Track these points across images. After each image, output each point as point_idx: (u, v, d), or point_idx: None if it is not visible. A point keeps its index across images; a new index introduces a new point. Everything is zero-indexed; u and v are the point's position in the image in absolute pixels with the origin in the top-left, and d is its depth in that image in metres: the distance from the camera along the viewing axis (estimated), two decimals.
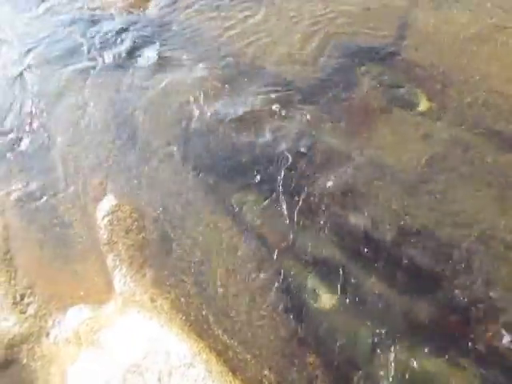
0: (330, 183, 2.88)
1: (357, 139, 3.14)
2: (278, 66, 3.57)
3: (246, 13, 4.04)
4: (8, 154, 3.15)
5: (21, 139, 3.22)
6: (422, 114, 3.30)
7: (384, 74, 3.60)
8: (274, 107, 3.31)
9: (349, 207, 2.76)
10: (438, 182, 2.85)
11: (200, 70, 3.60)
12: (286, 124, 3.22)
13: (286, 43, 3.73)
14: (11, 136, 3.23)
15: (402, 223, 2.68)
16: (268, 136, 3.15)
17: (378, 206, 2.75)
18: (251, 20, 3.96)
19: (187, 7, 4.10)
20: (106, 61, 3.71)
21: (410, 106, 3.34)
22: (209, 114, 3.27)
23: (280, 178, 2.91)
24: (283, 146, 3.07)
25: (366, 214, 2.71)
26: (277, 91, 3.42)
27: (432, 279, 2.44)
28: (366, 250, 2.60)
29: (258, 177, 2.91)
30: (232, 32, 3.87)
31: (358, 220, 2.70)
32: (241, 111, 3.30)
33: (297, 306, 2.44)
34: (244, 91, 3.45)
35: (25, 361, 2.34)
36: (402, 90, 3.44)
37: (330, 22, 3.96)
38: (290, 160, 2.99)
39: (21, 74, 3.62)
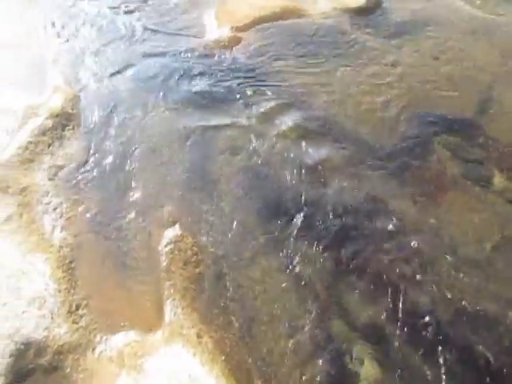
0: (390, 250, 2.83)
1: (425, 209, 3.08)
2: (355, 125, 3.62)
3: (331, 68, 4.16)
4: (89, 174, 3.35)
5: (100, 161, 3.43)
6: (497, 192, 3.20)
7: (461, 146, 3.54)
8: (344, 165, 3.34)
9: (407, 278, 2.69)
10: (507, 266, 2.73)
11: (276, 118, 3.71)
12: (352, 183, 3.23)
13: (367, 104, 3.79)
14: (93, 158, 3.44)
15: (463, 304, 2.57)
16: (334, 192, 3.16)
17: (439, 282, 2.65)
18: (337, 75, 4.07)
19: (275, 55, 4.28)
20: (186, 100, 3.91)
21: (485, 182, 3.25)
22: (278, 160, 3.35)
23: (340, 236, 2.89)
24: (347, 205, 3.07)
25: (424, 288, 2.63)
26: (349, 149, 3.46)
27: (489, 367, 2.30)
28: (419, 324, 2.50)
29: (319, 230, 2.91)
30: (316, 85, 3.99)
31: (415, 293, 2.61)
32: (310, 162, 3.35)
33: (339, 371, 2.37)
34: (317, 143, 3.52)
35: (68, 370, 2.40)
36: (478, 166, 3.37)
37: (412, 88, 3.99)
38: (353, 220, 2.97)
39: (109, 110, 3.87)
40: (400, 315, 2.53)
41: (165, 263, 2.74)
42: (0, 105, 3.82)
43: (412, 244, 2.84)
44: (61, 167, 3.34)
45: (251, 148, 3.47)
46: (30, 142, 3.45)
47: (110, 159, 3.40)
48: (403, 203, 3.08)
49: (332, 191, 3.16)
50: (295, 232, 2.93)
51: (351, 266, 2.74)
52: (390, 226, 2.93)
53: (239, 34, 4.50)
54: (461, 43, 4.57)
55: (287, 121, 3.66)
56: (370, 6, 5.01)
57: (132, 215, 3.09)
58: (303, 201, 3.11)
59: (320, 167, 3.33)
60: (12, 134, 3.56)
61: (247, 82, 4.03)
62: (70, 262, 2.82)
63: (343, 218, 2.98)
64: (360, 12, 4.91)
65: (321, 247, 2.84)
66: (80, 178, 3.29)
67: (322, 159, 3.38)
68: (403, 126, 3.66)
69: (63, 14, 4.86)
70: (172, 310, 2.53)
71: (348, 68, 4.17)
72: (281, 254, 2.80)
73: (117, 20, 4.76)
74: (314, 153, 3.42)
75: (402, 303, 2.58)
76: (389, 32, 4.64)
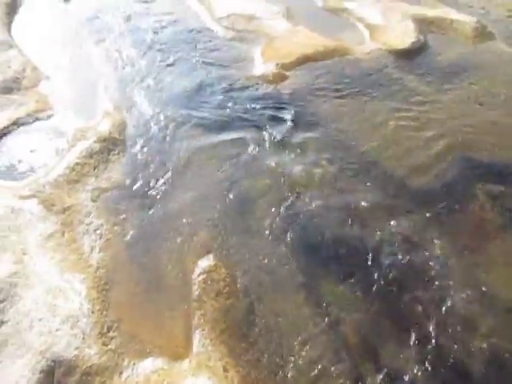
0: (427, 299, 2.75)
1: (464, 257, 3.00)
2: (395, 166, 3.60)
3: (374, 108, 4.19)
4: (130, 199, 3.45)
5: (141, 187, 3.53)
6: None
7: (504, 193, 3.45)
8: (382, 207, 3.31)
9: (442, 330, 2.60)
10: None
11: (315, 155, 3.74)
12: (390, 225, 3.18)
13: (408, 146, 3.77)
14: (135, 183, 3.55)
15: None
16: (371, 235, 3.12)
17: (480, 338, 2.55)
18: (378, 116, 4.09)
19: (318, 93, 4.35)
20: (230, 131, 4.01)
21: None
22: (318, 200, 3.35)
23: (374, 280, 2.84)
24: (385, 248, 3.02)
25: (462, 345, 2.53)
26: (388, 190, 3.43)
27: None
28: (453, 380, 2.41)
29: (354, 273, 2.87)
30: (356, 125, 4.01)
31: (451, 348, 2.52)
32: (350, 204, 3.33)
33: None
34: (355, 184, 3.51)
35: None
36: None
37: (455, 132, 3.95)
38: (390, 265, 2.92)
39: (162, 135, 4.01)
40: (432, 370, 2.43)
41: (197, 292, 2.75)
42: (53, 126, 4.04)
43: (452, 294, 2.75)
44: (104, 190, 3.46)
45: (287, 183, 3.50)
46: (77, 164, 3.60)
47: (150, 185, 3.50)
48: (443, 250, 3.01)
49: (369, 234, 3.12)
50: (330, 272, 2.90)
51: (385, 312, 2.67)
52: (429, 274, 2.85)
53: (284, 71, 4.61)
54: (506, 88, 4.51)
55: (325, 159, 3.68)
56: (415, 49, 5.04)
57: (168, 242, 3.15)
58: (340, 242, 3.08)
59: (358, 209, 3.30)
60: (61, 155, 3.74)
61: (289, 117, 4.10)
62: (105, 284, 2.88)
63: (380, 262, 2.93)
64: (405, 54, 4.95)
65: (355, 289, 2.79)
66: (121, 201, 3.39)
67: (360, 200, 3.35)
68: (444, 169, 3.61)
69: (116, 42, 5.12)
70: (200, 341, 2.53)
71: (390, 109, 4.18)
72: (315, 294, 2.77)
73: (168, 51, 4.97)
74: (352, 194, 3.40)
75: (435, 358, 2.49)
76: (433, 75, 4.64)
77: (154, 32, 5.32)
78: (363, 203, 3.31)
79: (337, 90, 4.41)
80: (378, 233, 3.10)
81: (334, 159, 3.67)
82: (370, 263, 2.92)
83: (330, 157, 3.68)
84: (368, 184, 3.47)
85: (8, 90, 4.36)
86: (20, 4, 5.95)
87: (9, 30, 5.37)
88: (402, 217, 3.23)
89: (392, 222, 3.17)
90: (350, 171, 3.59)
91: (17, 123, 4.06)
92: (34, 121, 4.11)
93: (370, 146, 3.81)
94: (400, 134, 3.90)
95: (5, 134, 3.96)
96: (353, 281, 2.81)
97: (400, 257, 2.95)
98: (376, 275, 2.84)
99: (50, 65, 4.82)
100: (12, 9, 5.82)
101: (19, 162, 3.72)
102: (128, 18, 5.58)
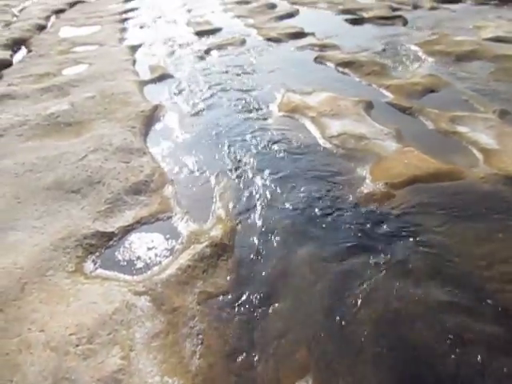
0: None
1: None
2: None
3: (482, 236, 3.96)
4: (233, 306, 3.52)
5: (245, 295, 3.60)
6: None
7: None
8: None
9: None
10: None
11: (427, 281, 3.57)
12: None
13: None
14: (239, 291, 3.64)
15: None
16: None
17: None
18: (487, 244, 3.85)
19: (427, 216, 4.25)
20: (335, 247, 4.02)
21: None
22: (429, 330, 3.13)
23: None
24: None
25: None
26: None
27: None
28: None
29: None
30: (471, 252, 3.80)
31: None
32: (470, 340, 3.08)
33: None
34: (471, 315, 3.24)
35: None
36: None
37: None
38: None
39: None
40: None
41: None
42: (171, 227, 4.40)
43: None
44: (210, 294, 3.58)
45: (397, 308, 3.35)
46: (189, 266, 3.81)
47: (254, 294, 3.56)
48: None
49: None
50: None
51: None
52: None
53: (392, 191, 4.62)
54: None
55: (436, 286, 3.49)
56: None
57: (264, 354, 3.10)
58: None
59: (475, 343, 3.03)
60: (175, 255, 4.01)
61: (395, 237, 4.03)
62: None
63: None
64: None
65: None
66: (224, 308, 3.47)
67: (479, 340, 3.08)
68: None
69: (234, 154, 5.60)
70: None
71: (506, 239, 3.92)
72: None
73: (280, 164, 5.30)
74: (467, 329, 3.14)
75: None
76: None
77: (268, 145, 5.75)
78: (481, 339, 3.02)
79: (448, 214, 4.27)
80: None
81: (445, 288, 3.46)
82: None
83: (441, 286, 3.49)
84: (487, 320, 3.19)
85: (137, 191, 4.91)
86: (157, 117, 6.89)
87: (145, 139, 6.18)
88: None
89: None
90: (465, 301, 3.36)
91: (140, 222, 4.50)
92: (154, 221, 4.52)
93: (486, 278, 3.55)
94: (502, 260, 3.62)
95: (129, 231, 4.38)
96: None
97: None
98: None
99: (175, 170, 5.39)
100: (150, 120, 6.75)
101: (138, 258, 4.05)
102: (246, 133, 6.13)
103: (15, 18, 15.90)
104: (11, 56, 11.11)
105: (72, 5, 17.97)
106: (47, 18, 15.65)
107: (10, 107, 7.41)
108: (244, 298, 3.56)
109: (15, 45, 12.09)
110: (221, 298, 3.56)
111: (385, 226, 4.17)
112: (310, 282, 3.65)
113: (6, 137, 6.25)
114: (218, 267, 3.85)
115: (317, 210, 4.47)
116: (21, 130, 6.42)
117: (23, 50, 11.80)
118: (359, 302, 3.43)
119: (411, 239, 3.99)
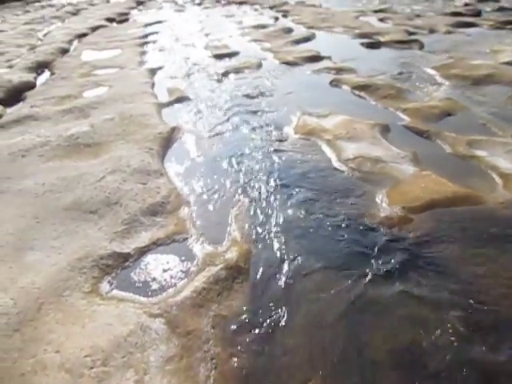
0: None
1: None
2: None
3: (503, 263, 3.88)
4: (248, 331, 3.49)
5: (260, 320, 3.57)
6: None
7: None
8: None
9: None
10: None
11: (440, 308, 3.49)
12: None
13: None
14: (254, 315, 3.61)
15: None
16: None
17: None
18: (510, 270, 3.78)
19: (445, 242, 4.19)
20: (354, 272, 3.98)
21: None
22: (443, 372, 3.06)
23: None
24: None
25: None
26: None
27: None
28: None
29: None
30: (489, 278, 3.73)
31: None
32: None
33: None
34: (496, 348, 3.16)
35: None
36: None
37: None
38: None
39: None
40: None
41: None
42: (186, 249, 4.41)
43: None
44: (224, 318, 3.56)
45: (404, 326, 3.28)
46: (204, 289, 3.80)
47: (269, 319, 3.52)
48: None
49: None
50: None
51: None
52: None
53: (410, 215, 4.58)
54: None
55: (456, 317, 3.40)
56: None
57: (278, 381, 3.06)
58: None
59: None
60: (190, 277, 4.01)
61: (411, 263, 3.97)
62: None
63: None
64: None
65: None
66: (238, 332, 3.44)
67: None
68: None
69: (250, 177, 5.63)
70: None
71: None
72: None
73: (296, 188, 5.31)
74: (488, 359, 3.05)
75: None
76: None
77: (284, 168, 5.77)
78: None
79: (468, 240, 4.20)
80: None
81: (465, 317, 3.38)
82: None
83: (453, 311, 3.42)
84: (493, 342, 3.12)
85: (154, 212, 4.96)
86: (174, 139, 6.99)
87: (162, 161, 6.26)
88: None
89: None
90: (476, 325, 3.28)
91: (156, 243, 4.52)
92: (170, 242, 4.54)
93: (506, 306, 3.46)
94: None
95: (144, 252, 4.40)
96: None
97: None
98: None
99: (192, 192, 5.43)
100: (167, 142, 6.85)
101: (153, 279, 4.06)
102: (262, 155, 6.17)
103: (40, 42, 16.46)
104: (35, 78, 11.48)
105: (94, 29, 18.57)
106: (70, 41, 16.18)
107: (32, 128, 7.60)
108: (259, 322, 3.52)
109: (39, 67, 12.49)
110: (235, 321, 3.53)
111: (402, 251, 4.11)
112: (326, 307, 3.60)
113: (28, 157, 6.39)
114: (232, 290, 3.83)
115: (333, 233, 4.44)
116: (42, 150, 6.57)
117: (46, 73, 12.16)
118: (375, 330, 3.37)
119: (429, 266, 3.92)
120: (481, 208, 4.67)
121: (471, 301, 3.52)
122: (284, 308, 3.63)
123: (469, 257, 4.00)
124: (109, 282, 4.05)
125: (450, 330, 3.29)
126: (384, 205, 4.81)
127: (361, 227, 4.49)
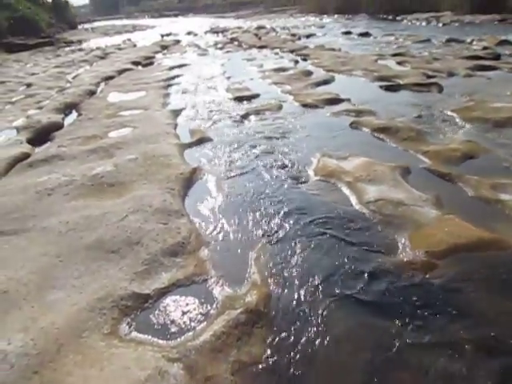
0: None
1: None
2: None
3: None
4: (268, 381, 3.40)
5: (280, 366, 3.48)
6: None
7: None
8: None
9: None
10: None
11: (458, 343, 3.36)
12: None
13: None
14: (274, 363, 3.52)
15: None
16: None
17: None
18: None
19: (469, 287, 4.07)
20: (377, 316, 3.88)
21: None
22: None
23: None
24: None
25: None
26: None
27: None
28: None
29: None
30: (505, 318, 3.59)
31: None
32: None
33: None
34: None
35: None
36: None
37: None
38: None
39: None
40: None
41: None
42: (206, 291, 4.38)
43: None
44: (244, 364, 3.47)
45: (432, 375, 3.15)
46: (223, 333, 3.74)
47: (289, 366, 3.43)
48: None
49: None
50: None
51: None
52: None
53: (433, 260, 4.48)
54: None
55: (484, 370, 3.27)
56: None
57: None
58: None
59: None
60: (209, 321, 3.96)
61: (437, 311, 3.84)
62: None
63: None
64: None
65: None
66: (258, 379, 3.35)
67: None
68: None
69: (270, 220, 5.64)
70: None
71: None
72: None
73: (315, 230, 5.28)
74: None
75: None
76: None
77: (304, 210, 5.76)
78: None
79: (493, 286, 4.08)
80: None
81: (496, 370, 3.23)
82: None
83: (491, 367, 3.26)
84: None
85: (174, 253, 4.97)
86: (195, 179, 7.10)
87: (183, 201, 6.34)
88: None
89: None
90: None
91: (176, 284, 4.51)
92: (190, 284, 4.52)
93: None
94: None
95: (164, 294, 4.39)
96: None
97: None
98: None
99: (212, 233, 5.45)
100: (188, 183, 6.96)
101: (171, 322, 4.02)
102: (282, 197, 6.20)
103: (68, 84, 17.21)
104: (63, 119, 11.92)
105: (120, 72, 19.36)
106: (97, 84, 16.87)
107: (58, 167, 7.83)
108: (279, 369, 3.43)
109: (67, 108, 13.01)
110: (255, 368, 3.45)
111: (426, 298, 4.00)
112: (348, 356, 3.49)
113: (53, 196, 6.55)
114: (252, 335, 3.76)
115: (353, 278, 4.37)
116: (67, 189, 6.73)
117: (74, 114, 12.63)
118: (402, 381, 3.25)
119: (455, 312, 3.80)
120: (508, 253, 4.55)
121: (501, 350, 3.38)
122: (305, 355, 3.53)
123: (497, 303, 3.87)
124: (128, 323, 4.03)
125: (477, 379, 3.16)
126: (407, 249, 4.73)
127: (383, 272, 4.40)
